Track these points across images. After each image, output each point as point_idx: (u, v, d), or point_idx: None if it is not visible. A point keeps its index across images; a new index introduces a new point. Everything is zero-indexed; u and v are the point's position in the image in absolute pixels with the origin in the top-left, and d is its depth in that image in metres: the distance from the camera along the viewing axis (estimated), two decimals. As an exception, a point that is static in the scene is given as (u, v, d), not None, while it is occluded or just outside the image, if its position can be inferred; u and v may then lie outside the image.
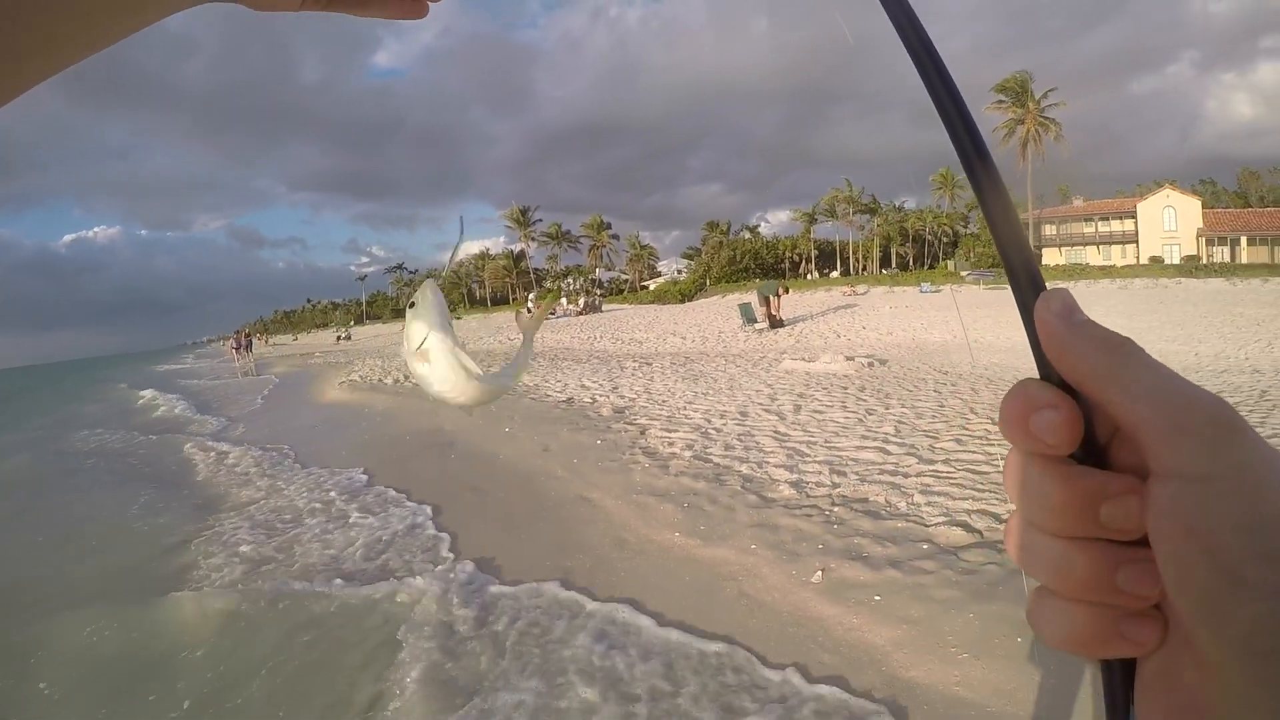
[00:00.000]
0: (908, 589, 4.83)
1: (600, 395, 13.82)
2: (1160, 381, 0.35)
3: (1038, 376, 0.40)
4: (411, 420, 14.96)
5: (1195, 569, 0.32)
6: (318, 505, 8.97)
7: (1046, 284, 0.43)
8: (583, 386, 15.31)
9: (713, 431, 9.55)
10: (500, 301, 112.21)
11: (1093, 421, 0.38)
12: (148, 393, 30.15)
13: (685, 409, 11.45)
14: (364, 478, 10.03)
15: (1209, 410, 0.33)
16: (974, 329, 19.88)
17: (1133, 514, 0.35)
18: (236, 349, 47.35)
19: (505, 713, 4.15)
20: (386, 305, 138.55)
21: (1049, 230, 74.84)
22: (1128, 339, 0.37)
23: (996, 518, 5.69)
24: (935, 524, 5.74)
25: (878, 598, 4.78)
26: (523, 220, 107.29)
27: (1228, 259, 62.11)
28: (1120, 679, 0.38)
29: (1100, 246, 71.32)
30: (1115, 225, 71.64)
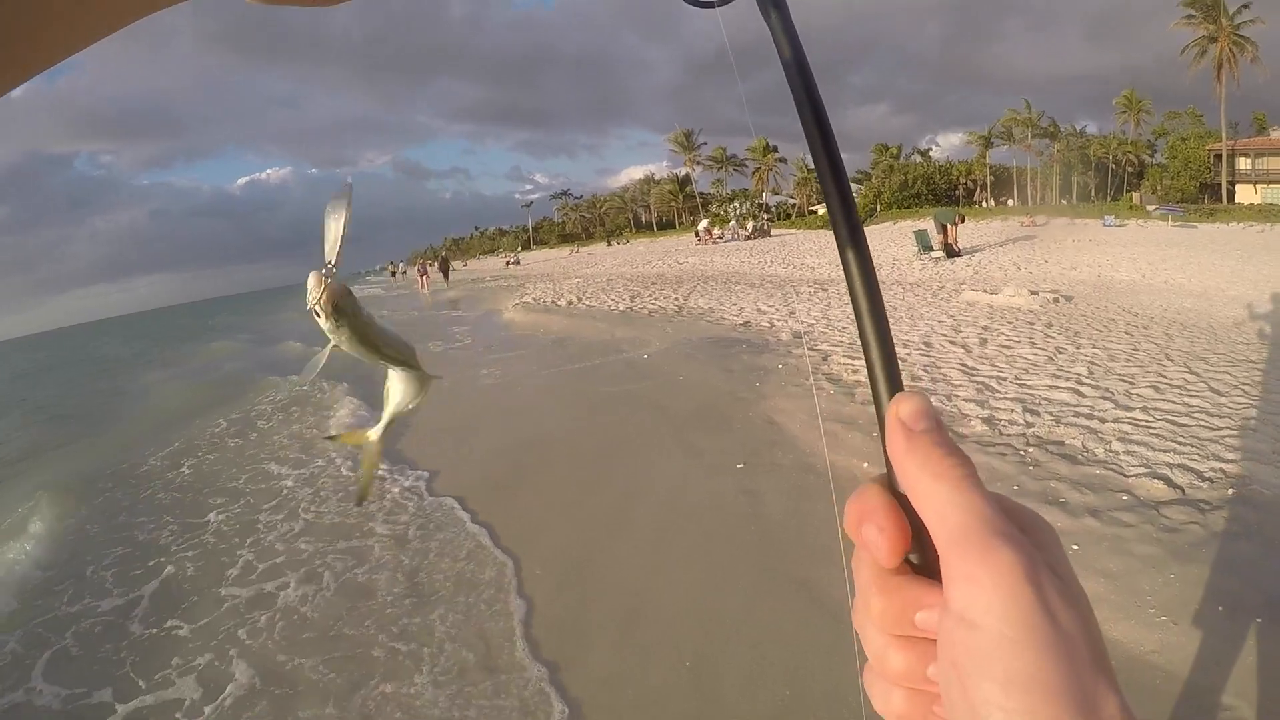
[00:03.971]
0: (1106, 540, 4.62)
1: (778, 320, 13.76)
2: (968, 522, 0.36)
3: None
4: (587, 339, 15.31)
5: (953, 695, 0.35)
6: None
7: (904, 385, 0.44)
8: (759, 310, 15.29)
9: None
10: (666, 226, 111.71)
11: (924, 530, 0.40)
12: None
13: (867, 336, 11.14)
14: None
15: (1001, 564, 0.34)
16: (1163, 269, 18.66)
17: None
18: (422, 274, 47.94)
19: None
20: (553, 231, 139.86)
21: (1243, 164, 68.09)
22: (961, 464, 0.39)
23: (1199, 475, 5.34)
24: (1135, 474, 5.46)
25: (1075, 546, 4.61)
26: (687, 144, 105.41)
27: None
28: None
29: (1303, 183, 65.05)
30: (1322, 159, 64.88)
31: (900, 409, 0.41)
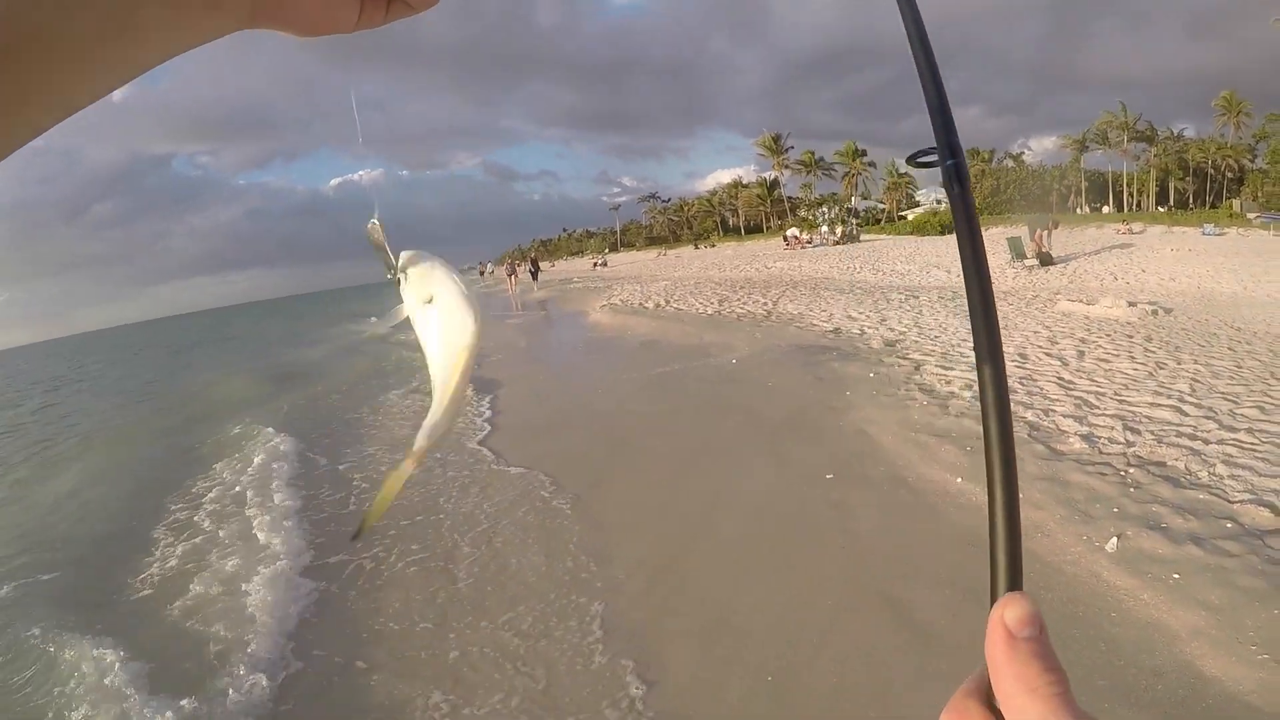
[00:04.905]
0: (1209, 571, 4.38)
1: (869, 327, 13.57)
2: None
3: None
4: (675, 342, 15.35)
5: None
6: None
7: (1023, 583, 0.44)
8: (849, 317, 15.09)
9: (991, 373, 9.05)
10: (754, 230, 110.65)
11: None
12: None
13: (960, 346, 11.03)
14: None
15: None
16: (1265, 282, 17.71)
17: None
18: (510, 275, 45.09)
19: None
20: (640, 234, 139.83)
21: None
22: (1058, 681, 0.37)
23: (1310, 502, 5.07)
24: (1240, 501, 5.17)
25: (1176, 576, 4.39)
26: (775, 148, 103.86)
27: None
28: None
29: None
30: None
31: (1006, 612, 0.40)
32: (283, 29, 0.48)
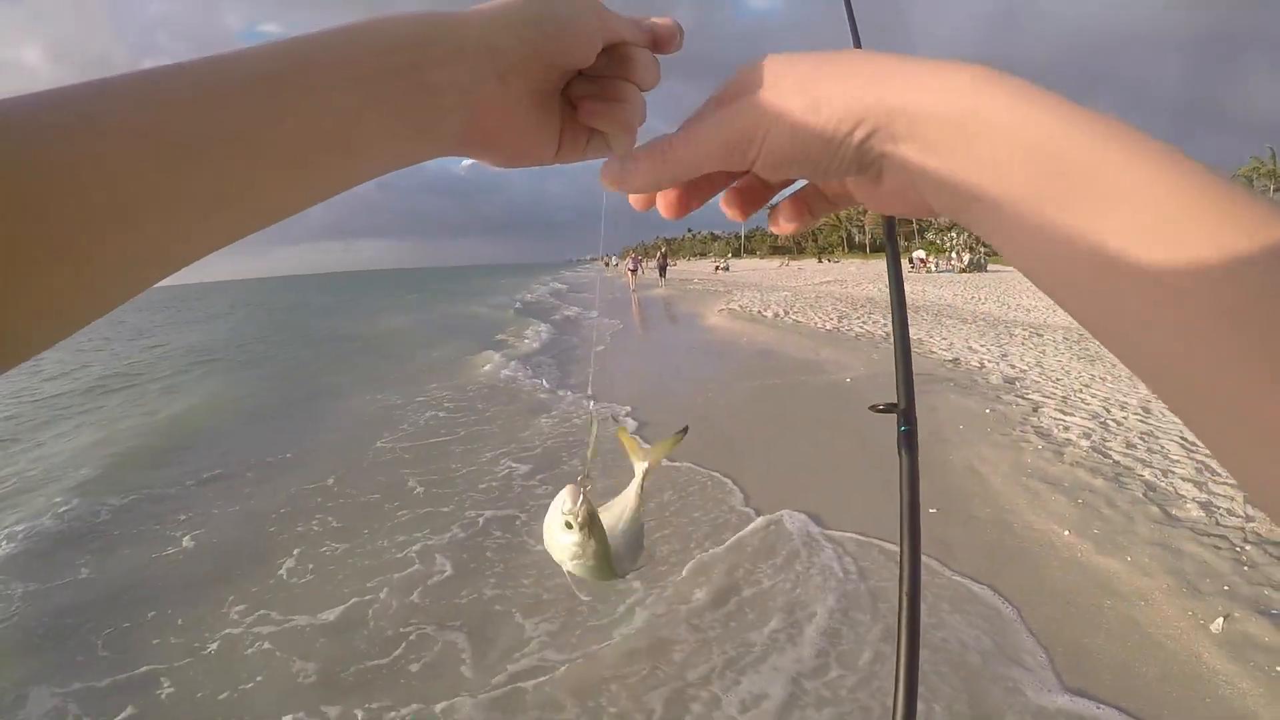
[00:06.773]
0: None
1: (989, 361, 13.17)
2: None
3: None
4: (790, 354, 15.28)
5: None
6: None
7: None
8: (970, 349, 14.69)
9: (1112, 424, 8.72)
10: (880, 249, 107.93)
11: None
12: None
13: (1081, 392, 10.53)
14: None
15: None
16: None
17: None
18: (633, 270, 43.12)
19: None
20: (764, 241, 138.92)
21: None
22: None
23: None
24: None
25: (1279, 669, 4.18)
26: None
27: None
28: None
29: None
30: None
31: None
32: (485, 159, 0.53)
